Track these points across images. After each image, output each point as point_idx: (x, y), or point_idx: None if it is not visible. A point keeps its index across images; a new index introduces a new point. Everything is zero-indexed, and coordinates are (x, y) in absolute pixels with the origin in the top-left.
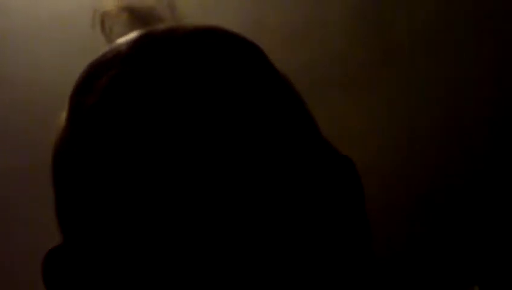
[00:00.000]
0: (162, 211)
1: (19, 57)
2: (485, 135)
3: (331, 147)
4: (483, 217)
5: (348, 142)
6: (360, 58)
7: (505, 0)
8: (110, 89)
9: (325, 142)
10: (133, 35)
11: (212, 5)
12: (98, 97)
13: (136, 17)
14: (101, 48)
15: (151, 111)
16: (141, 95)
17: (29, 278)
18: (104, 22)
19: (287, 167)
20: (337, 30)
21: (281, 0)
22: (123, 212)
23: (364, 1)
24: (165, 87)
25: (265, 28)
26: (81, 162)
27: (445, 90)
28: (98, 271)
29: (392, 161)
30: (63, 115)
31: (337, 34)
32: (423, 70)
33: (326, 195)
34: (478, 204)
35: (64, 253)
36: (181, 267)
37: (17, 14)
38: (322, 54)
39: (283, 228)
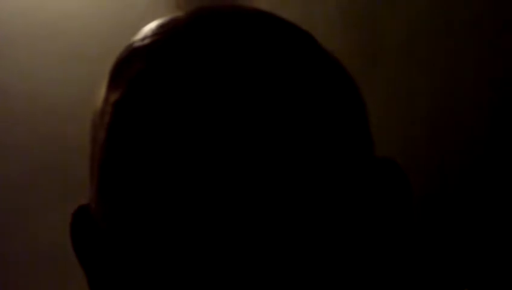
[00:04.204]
0: (185, 195)
1: (11, 67)
2: (480, 135)
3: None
4: (475, 219)
5: None
6: (349, 60)
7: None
8: (132, 87)
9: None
10: (172, 19)
11: None
12: (121, 95)
13: None
14: (95, 57)
15: (174, 113)
16: (163, 97)
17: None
18: None
19: (329, 169)
20: (325, 32)
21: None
22: (145, 193)
23: (352, 2)
24: (197, 89)
25: None
26: (106, 148)
27: (436, 91)
28: (119, 234)
29: None
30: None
31: (325, 36)
32: (413, 71)
33: (367, 202)
34: (470, 207)
35: (89, 209)
36: (199, 250)
37: (7, 24)
38: None
39: (309, 229)
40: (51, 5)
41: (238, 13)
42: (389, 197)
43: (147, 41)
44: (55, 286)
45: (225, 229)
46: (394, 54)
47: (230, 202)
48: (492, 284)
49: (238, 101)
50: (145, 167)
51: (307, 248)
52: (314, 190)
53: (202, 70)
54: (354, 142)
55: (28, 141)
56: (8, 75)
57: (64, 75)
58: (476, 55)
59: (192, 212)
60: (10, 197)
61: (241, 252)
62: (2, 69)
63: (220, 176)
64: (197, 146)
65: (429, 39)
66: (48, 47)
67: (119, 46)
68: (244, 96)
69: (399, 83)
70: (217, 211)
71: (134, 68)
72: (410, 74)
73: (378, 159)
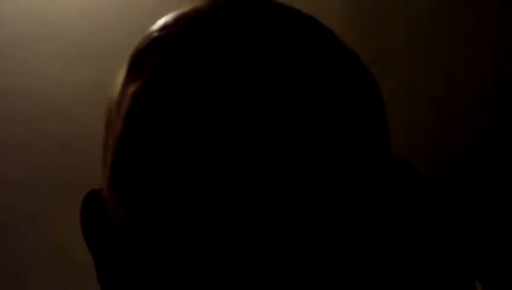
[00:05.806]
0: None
1: (13, 67)
2: (483, 136)
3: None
4: (484, 212)
5: None
6: None
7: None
8: (152, 80)
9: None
10: (193, 10)
11: None
12: (140, 87)
13: None
14: (99, 57)
15: (192, 109)
16: (183, 91)
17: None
18: None
19: (346, 170)
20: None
21: None
22: (159, 181)
23: (356, 2)
24: (211, 84)
25: None
26: (119, 140)
27: (442, 91)
28: (131, 223)
29: None
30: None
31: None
32: (420, 70)
33: (382, 202)
34: (477, 200)
35: (100, 195)
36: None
37: (9, 24)
38: None
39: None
40: (54, 5)
41: (260, 5)
42: (404, 198)
43: (167, 31)
44: (56, 286)
45: (235, 221)
46: (397, 53)
47: (243, 197)
48: (502, 276)
49: (256, 97)
50: (159, 161)
51: (318, 246)
52: (328, 188)
53: (222, 66)
54: (371, 141)
55: (30, 141)
56: (11, 75)
57: (67, 75)
58: (477, 54)
59: (203, 207)
60: (11, 197)
61: (251, 248)
62: (4, 68)
63: (234, 171)
64: (212, 144)
65: (431, 38)
66: (51, 46)
67: (124, 46)
68: (262, 93)
69: (402, 82)
70: (228, 203)
71: (154, 60)
72: (413, 72)
73: (394, 160)
